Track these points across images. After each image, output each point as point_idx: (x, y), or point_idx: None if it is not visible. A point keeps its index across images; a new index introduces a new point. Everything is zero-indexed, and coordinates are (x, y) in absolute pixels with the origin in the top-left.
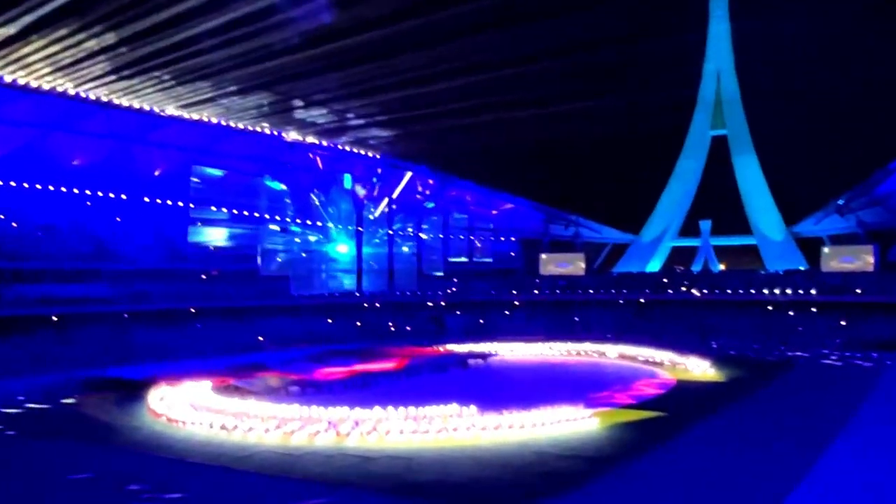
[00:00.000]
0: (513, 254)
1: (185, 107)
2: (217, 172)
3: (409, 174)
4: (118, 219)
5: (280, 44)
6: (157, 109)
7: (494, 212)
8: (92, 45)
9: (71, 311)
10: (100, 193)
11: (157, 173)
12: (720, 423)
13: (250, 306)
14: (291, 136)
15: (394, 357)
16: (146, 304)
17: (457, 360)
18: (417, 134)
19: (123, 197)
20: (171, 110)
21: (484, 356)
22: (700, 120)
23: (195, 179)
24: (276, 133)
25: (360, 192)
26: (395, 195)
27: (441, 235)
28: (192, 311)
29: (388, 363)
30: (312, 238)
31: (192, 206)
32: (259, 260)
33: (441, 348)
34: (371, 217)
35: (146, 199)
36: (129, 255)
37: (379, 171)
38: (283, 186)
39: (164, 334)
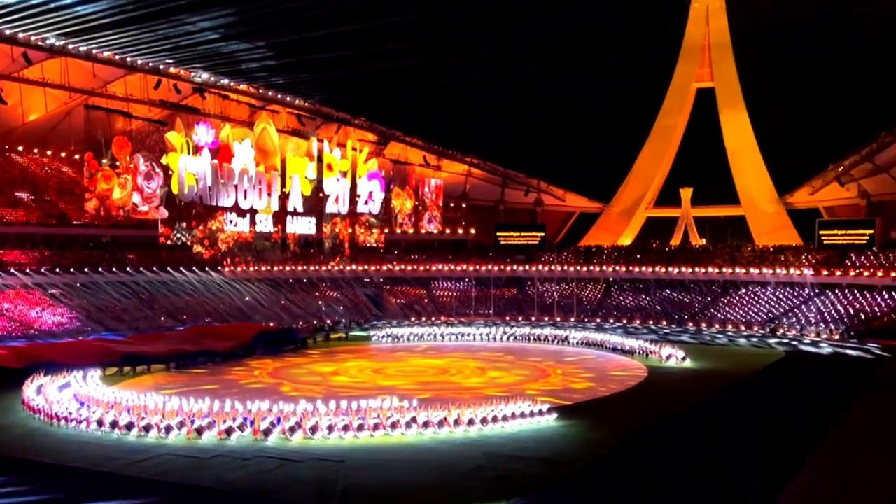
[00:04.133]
0: (463, 223)
1: (66, 35)
2: None
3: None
4: None
5: None
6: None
7: (445, 173)
8: None
9: None
10: None
11: None
12: (695, 420)
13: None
14: (203, 76)
15: (233, 335)
16: None
17: (298, 338)
18: (344, 79)
19: None
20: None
21: (327, 336)
22: (684, 70)
23: None
24: (181, 73)
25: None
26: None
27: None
28: None
29: (225, 342)
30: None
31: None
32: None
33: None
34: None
35: None
36: None
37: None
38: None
39: None
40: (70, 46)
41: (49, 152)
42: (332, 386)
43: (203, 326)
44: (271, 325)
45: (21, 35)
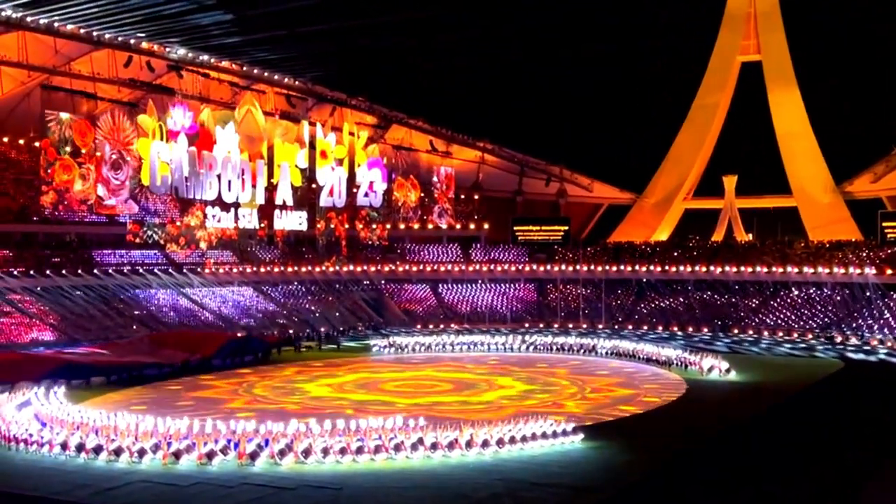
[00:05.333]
0: (476, 216)
1: (24, 6)
2: None
3: None
4: None
5: None
6: None
7: (455, 161)
8: None
9: None
10: None
11: None
12: (740, 441)
13: None
14: (179, 52)
15: (196, 344)
16: None
17: (260, 347)
18: (337, 54)
19: None
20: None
21: (297, 346)
22: (726, 40)
23: None
24: (155, 48)
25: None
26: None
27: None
28: None
29: (183, 353)
30: None
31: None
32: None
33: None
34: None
35: None
36: None
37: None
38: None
39: None
40: (29, 19)
41: (6, 139)
42: (325, 403)
43: (164, 333)
44: (265, 334)
45: None
